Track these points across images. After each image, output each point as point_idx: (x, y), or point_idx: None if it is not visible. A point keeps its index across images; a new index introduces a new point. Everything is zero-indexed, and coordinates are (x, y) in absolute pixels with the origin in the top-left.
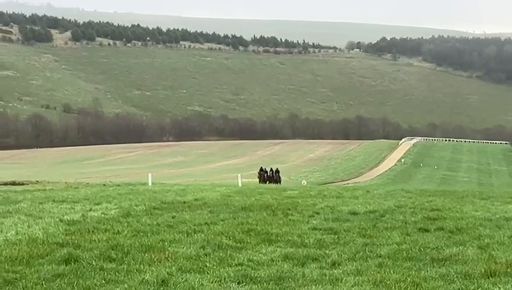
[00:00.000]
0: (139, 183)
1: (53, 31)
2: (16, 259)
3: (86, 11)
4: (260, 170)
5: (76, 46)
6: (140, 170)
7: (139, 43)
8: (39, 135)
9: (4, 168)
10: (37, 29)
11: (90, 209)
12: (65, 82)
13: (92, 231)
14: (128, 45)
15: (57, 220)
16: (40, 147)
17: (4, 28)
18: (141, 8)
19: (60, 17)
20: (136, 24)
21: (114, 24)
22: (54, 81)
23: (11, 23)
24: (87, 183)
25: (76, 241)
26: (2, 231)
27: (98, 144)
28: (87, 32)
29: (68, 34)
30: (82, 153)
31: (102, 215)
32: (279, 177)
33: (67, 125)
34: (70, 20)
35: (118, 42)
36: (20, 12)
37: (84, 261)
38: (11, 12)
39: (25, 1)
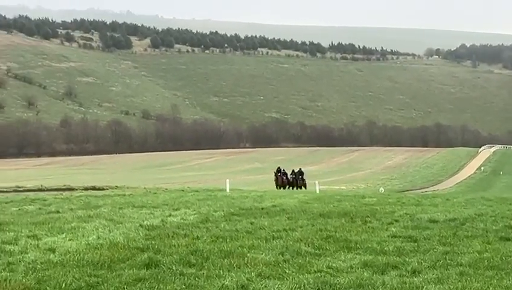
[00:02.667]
0: (216, 189)
1: (132, 38)
2: (97, 263)
3: (165, 18)
4: (277, 171)
5: (155, 53)
6: (217, 176)
7: (217, 50)
8: (118, 141)
9: (84, 173)
10: (117, 36)
11: (170, 215)
12: (144, 88)
13: (172, 236)
14: (206, 51)
15: (137, 225)
16: (119, 153)
17: (85, 35)
18: (219, 15)
19: (139, 25)
20: (214, 31)
21: (192, 31)
22: (133, 87)
23: (92, 31)
24: (166, 189)
25: (156, 246)
26: (83, 235)
27: (176, 150)
28: (166, 39)
29: (147, 41)
30: (160, 159)
31: (182, 220)
32: (304, 181)
33: (146, 131)
34: (149, 27)
35: (196, 49)
36: (100, 20)
37: (164, 266)
38: (92, 20)
39: (105, 9)
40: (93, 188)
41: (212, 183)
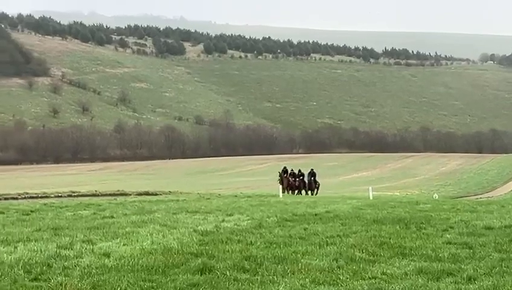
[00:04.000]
0: (269, 195)
1: (186, 44)
2: (152, 268)
3: (218, 24)
4: (283, 172)
5: (208, 59)
6: (270, 181)
7: (270, 56)
8: (171, 146)
9: (138, 178)
10: (170, 42)
11: (223, 220)
12: (197, 94)
13: (226, 242)
14: (259, 57)
15: (191, 230)
16: (172, 158)
17: (139, 41)
18: (272, 21)
19: (192, 31)
20: (267, 37)
21: (245, 37)
22: (186, 93)
23: (146, 37)
24: (219, 195)
25: (210, 252)
26: (138, 240)
27: (228, 155)
28: (219, 45)
29: (200, 46)
30: (213, 165)
31: (235, 226)
32: (317, 184)
33: (199, 136)
34: (202, 33)
35: (249, 55)
36: (154, 26)
37: (218, 271)
38: (146, 26)
39: (159, 15)
40: (147, 194)
41: (265, 189)
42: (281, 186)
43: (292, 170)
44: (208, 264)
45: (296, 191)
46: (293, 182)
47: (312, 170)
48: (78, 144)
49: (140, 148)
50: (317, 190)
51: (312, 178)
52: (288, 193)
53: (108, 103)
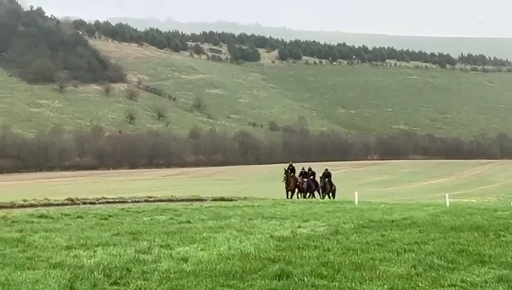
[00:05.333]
0: (345, 201)
1: (260, 50)
2: (229, 273)
3: (293, 30)
4: (290, 170)
5: (282, 65)
6: (345, 187)
7: (345, 62)
8: (246, 152)
9: (213, 184)
10: (245, 49)
11: (299, 226)
12: (271, 100)
13: (302, 248)
14: (334, 63)
15: (268, 236)
16: (246, 164)
17: (214, 47)
18: (347, 27)
19: (267, 37)
20: (342, 43)
21: (320, 43)
22: (261, 99)
23: (221, 43)
24: (294, 200)
25: (287, 258)
26: (215, 246)
27: (303, 161)
28: (293, 51)
29: (275, 53)
30: None
31: (312, 232)
32: (332, 187)
33: (273, 142)
34: (277, 39)
35: (323, 61)
36: (229, 32)
37: (296, 277)
38: (221, 32)
39: (234, 21)
40: (222, 199)
41: (340, 195)
42: (286, 188)
43: (303, 169)
44: (286, 270)
45: (308, 195)
46: (301, 183)
47: (326, 170)
48: (153, 150)
49: (215, 153)
50: (333, 194)
51: (327, 180)
52: (295, 196)
53: (184, 108)
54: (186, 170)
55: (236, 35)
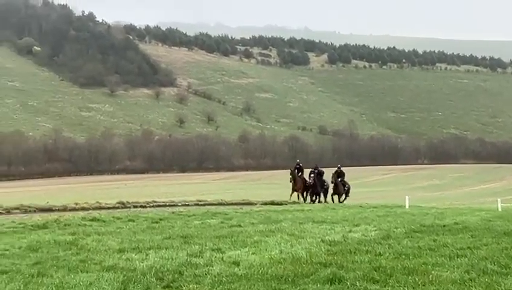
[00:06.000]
0: (395, 205)
1: (310, 54)
2: (281, 277)
3: (342, 34)
4: (297, 170)
5: (332, 69)
6: (395, 192)
7: (395, 66)
8: (295, 156)
9: (262, 188)
10: (294, 53)
11: (350, 231)
12: (321, 104)
13: (354, 252)
14: (383, 67)
15: (319, 240)
16: None
17: (263, 51)
18: (397, 31)
19: (316, 41)
20: (391, 46)
21: (370, 46)
22: (310, 103)
23: (270, 47)
24: (344, 205)
25: (339, 262)
26: (266, 249)
27: (352, 165)
28: (343, 55)
29: (324, 56)
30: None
31: (363, 236)
32: (346, 187)
33: (323, 146)
34: (326, 43)
35: (373, 64)
36: (278, 36)
37: (348, 281)
38: (270, 36)
39: (283, 25)
40: (272, 203)
41: (390, 200)
42: (293, 188)
43: (316, 167)
44: (338, 275)
45: (316, 197)
46: (311, 182)
47: (339, 167)
48: (203, 154)
49: (264, 157)
50: (346, 194)
51: (339, 179)
52: (303, 198)
53: (233, 112)
54: (236, 174)
55: (285, 39)
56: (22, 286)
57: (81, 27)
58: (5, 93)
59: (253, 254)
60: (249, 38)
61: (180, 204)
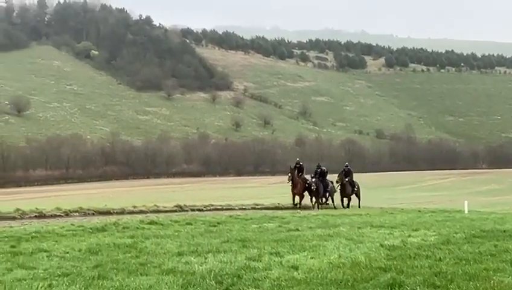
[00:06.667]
0: (454, 210)
1: (367, 58)
2: (341, 282)
3: (400, 37)
4: (297, 169)
5: (389, 73)
6: (453, 196)
7: (453, 69)
8: (352, 160)
9: None
10: (351, 56)
11: (409, 235)
12: (378, 108)
13: (414, 257)
14: (441, 70)
15: (378, 245)
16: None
17: (320, 55)
18: (455, 34)
19: (373, 44)
20: (450, 50)
21: (428, 50)
22: (367, 107)
23: (327, 50)
24: (402, 209)
25: (398, 267)
26: (325, 254)
27: (410, 169)
28: (400, 58)
29: (382, 60)
30: (394, 179)
31: (422, 241)
32: (355, 188)
33: (380, 150)
34: (383, 46)
35: (431, 68)
36: (335, 40)
37: (408, 286)
38: (327, 40)
39: (340, 29)
40: (329, 207)
41: (448, 204)
42: (292, 191)
43: (319, 166)
44: (397, 280)
45: (323, 199)
46: (310, 183)
47: (347, 166)
48: (259, 157)
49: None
50: (358, 196)
51: (347, 179)
52: (299, 201)
53: (289, 116)
54: None
55: (342, 43)
56: (83, 288)
57: (138, 31)
58: (63, 97)
59: (312, 258)
60: (305, 41)
61: (237, 208)
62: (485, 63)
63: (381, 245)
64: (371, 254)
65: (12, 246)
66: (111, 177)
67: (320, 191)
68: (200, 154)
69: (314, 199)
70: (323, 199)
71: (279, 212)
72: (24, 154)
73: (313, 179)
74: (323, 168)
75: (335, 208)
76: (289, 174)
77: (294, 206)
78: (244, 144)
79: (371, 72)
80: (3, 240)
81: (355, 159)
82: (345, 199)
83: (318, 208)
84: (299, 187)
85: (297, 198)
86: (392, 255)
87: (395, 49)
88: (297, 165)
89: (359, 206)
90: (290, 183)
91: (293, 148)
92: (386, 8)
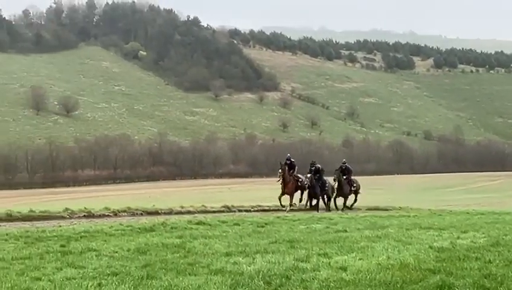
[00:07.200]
0: (503, 212)
1: (415, 58)
2: (389, 283)
3: (448, 38)
4: (286, 165)
5: (438, 73)
6: (503, 198)
7: (503, 70)
8: (400, 161)
9: (366, 193)
10: (399, 57)
11: (458, 237)
12: (426, 109)
13: (463, 259)
14: (491, 71)
15: (426, 246)
16: (400, 173)
17: (368, 55)
18: (504, 35)
19: (422, 45)
20: (499, 51)
21: (477, 51)
22: (415, 108)
23: (375, 51)
24: (451, 211)
25: (448, 269)
26: (373, 255)
27: (458, 171)
28: (449, 59)
29: (430, 61)
30: (442, 180)
31: (471, 243)
32: (354, 186)
33: (428, 152)
34: (432, 47)
35: (480, 69)
36: (383, 40)
37: (457, 289)
38: (375, 41)
39: (388, 29)
40: (377, 209)
41: (498, 206)
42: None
43: (313, 163)
44: (447, 282)
45: (314, 201)
46: (304, 182)
47: (344, 163)
48: (306, 158)
49: (368, 162)
50: (356, 197)
51: (345, 177)
52: (290, 201)
53: (337, 117)
54: None
55: (390, 44)
56: (132, 288)
57: (186, 32)
58: (111, 97)
59: (360, 259)
60: (353, 42)
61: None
62: None
63: (430, 247)
64: (419, 255)
65: (62, 246)
66: (158, 178)
67: (317, 191)
68: (247, 155)
69: (305, 198)
70: (314, 201)
71: (326, 214)
72: (73, 154)
73: (308, 175)
74: (319, 165)
75: (337, 209)
76: (280, 171)
77: (282, 208)
78: (291, 145)
79: (419, 73)
80: (53, 239)
81: (403, 160)
82: (340, 200)
83: (311, 205)
84: (290, 186)
85: (288, 198)
86: (441, 257)
87: (443, 50)
88: (288, 162)
89: (351, 207)
90: (281, 181)
91: (340, 149)
92: (435, 8)
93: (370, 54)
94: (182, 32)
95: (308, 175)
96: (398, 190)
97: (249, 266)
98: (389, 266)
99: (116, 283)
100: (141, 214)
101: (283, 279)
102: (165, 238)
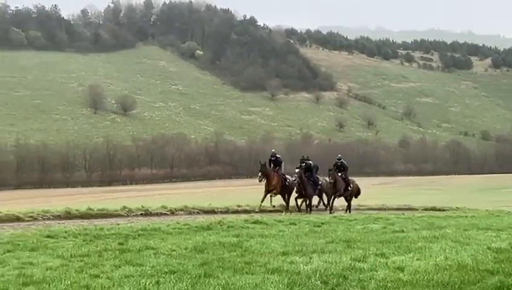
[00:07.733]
0: None
1: (473, 58)
2: (447, 284)
3: (507, 38)
4: (271, 162)
5: (496, 73)
6: None
7: None
8: (457, 162)
9: (423, 193)
10: (457, 57)
11: None
12: (483, 109)
13: None
14: None
15: (484, 247)
16: (457, 174)
17: (425, 55)
18: None
19: (480, 44)
20: None
21: None
22: (473, 108)
23: (432, 51)
24: (509, 212)
25: (506, 270)
26: (431, 256)
27: None
28: (507, 59)
29: (488, 61)
30: (500, 181)
31: None
32: (349, 186)
33: (486, 152)
34: (490, 47)
35: None
36: (440, 40)
37: None
38: (432, 40)
39: (446, 29)
40: (434, 209)
41: None
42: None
43: (303, 158)
44: (505, 283)
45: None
46: (295, 181)
47: (340, 159)
48: (363, 158)
49: (425, 162)
50: (351, 198)
51: (340, 175)
52: (284, 202)
53: (393, 117)
54: (395, 179)
55: (448, 43)
56: (189, 286)
57: (242, 31)
58: (168, 97)
59: (417, 260)
60: (410, 42)
61: (340, 208)
62: None
63: (488, 248)
64: (477, 256)
65: (120, 243)
66: (214, 177)
67: (310, 190)
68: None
69: (298, 199)
70: (306, 201)
71: (383, 214)
72: (130, 153)
73: (296, 170)
74: (310, 162)
75: (331, 210)
76: (261, 171)
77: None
78: (348, 144)
79: (476, 73)
80: (111, 237)
81: (460, 160)
82: (334, 198)
83: (308, 206)
84: (274, 184)
85: (268, 196)
86: (500, 258)
87: (502, 49)
88: (273, 158)
89: (347, 210)
90: (264, 181)
91: (397, 149)
92: (493, 8)
93: (427, 53)
94: (238, 31)
95: (297, 170)
96: (455, 190)
97: (306, 266)
98: (447, 266)
99: (174, 281)
100: (198, 212)
101: (340, 279)
102: (222, 237)
